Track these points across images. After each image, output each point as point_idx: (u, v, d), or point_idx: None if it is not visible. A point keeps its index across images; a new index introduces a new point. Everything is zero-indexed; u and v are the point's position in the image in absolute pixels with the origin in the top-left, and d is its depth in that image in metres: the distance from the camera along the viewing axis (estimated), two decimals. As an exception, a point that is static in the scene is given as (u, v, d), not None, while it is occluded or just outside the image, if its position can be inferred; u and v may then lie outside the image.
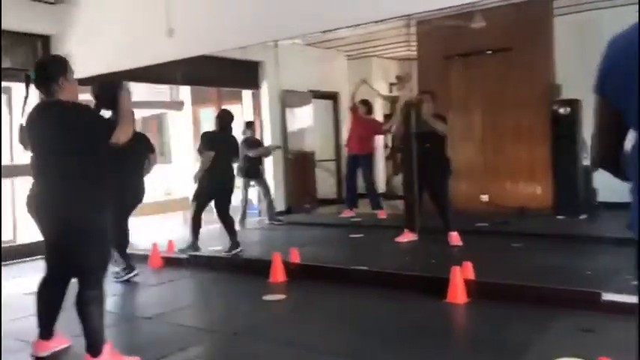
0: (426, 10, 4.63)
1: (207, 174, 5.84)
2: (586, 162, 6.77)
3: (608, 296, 3.65)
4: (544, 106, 6.97)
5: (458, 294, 4.02)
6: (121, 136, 3.07)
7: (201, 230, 6.15)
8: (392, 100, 10.34)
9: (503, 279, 4.20)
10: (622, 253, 1.97)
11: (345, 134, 8.95)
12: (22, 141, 3.23)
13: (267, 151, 7.82)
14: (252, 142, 7.63)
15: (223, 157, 5.90)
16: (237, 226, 7.49)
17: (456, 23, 6.90)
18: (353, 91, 8.19)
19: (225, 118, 6.16)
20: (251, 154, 7.40)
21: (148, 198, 5.58)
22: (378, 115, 9.48)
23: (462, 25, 6.92)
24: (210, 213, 6.18)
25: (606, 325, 3.40)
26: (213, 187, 5.89)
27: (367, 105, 8.03)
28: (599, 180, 6.44)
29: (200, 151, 6.05)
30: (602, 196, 6.59)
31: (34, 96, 3.20)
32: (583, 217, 6.70)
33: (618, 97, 1.59)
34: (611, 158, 1.67)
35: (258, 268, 5.15)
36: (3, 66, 5.96)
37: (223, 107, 7.43)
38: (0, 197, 5.76)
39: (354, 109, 8.09)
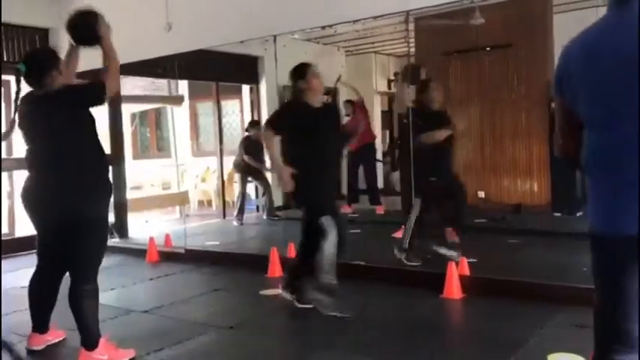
0: (424, 7, 4.63)
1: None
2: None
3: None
4: (543, 104, 6.96)
5: (454, 289, 4.04)
6: (113, 85, 3.04)
7: (198, 225, 6.16)
8: (390, 97, 10.36)
9: (499, 275, 4.22)
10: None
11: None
12: (5, 137, 3.21)
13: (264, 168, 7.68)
14: (254, 143, 7.61)
15: None
16: (234, 222, 7.55)
17: (455, 20, 6.89)
18: (332, 91, 8.21)
19: None
20: (247, 159, 7.36)
21: (146, 192, 5.58)
22: (376, 111, 9.48)
23: (461, 22, 6.91)
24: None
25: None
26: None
27: (351, 105, 8.09)
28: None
29: None
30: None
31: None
32: (579, 214, 6.71)
33: (575, 100, 1.70)
34: (571, 156, 1.79)
35: (256, 263, 5.17)
36: None
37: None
38: (0, 192, 5.77)
39: (352, 106, 8.11)
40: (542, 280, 4.03)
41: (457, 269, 4.15)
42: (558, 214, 6.74)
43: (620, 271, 1.69)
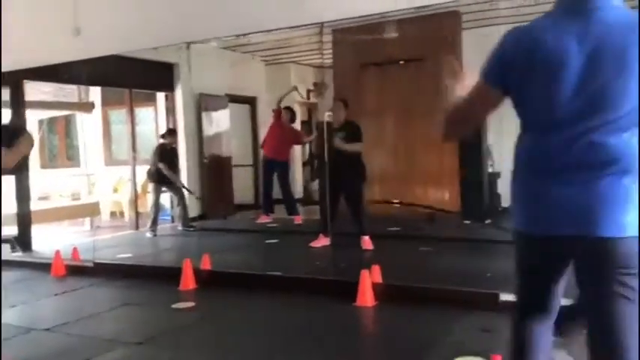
0: (337, 19, 4.71)
1: None
2: (491, 169, 7.10)
3: (504, 297, 3.83)
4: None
5: (366, 297, 4.10)
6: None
7: (109, 237, 5.94)
8: (309, 107, 10.45)
9: (410, 282, 4.33)
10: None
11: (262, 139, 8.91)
12: None
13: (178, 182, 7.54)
14: (169, 152, 7.43)
15: None
16: (147, 234, 7.33)
17: (371, 33, 7.06)
18: (281, 96, 8.21)
19: None
20: (161, 166, 7.18)
21: (54, 203, 5.31)
22: (296, 121, 9.54)
23: (377, 35, 7.08)
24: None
25: (503, 325, 3.56)
26: None
27: (292, 113, 8.08)
28: (503, 186, 6.77)
29: None
30: (506, 201, 6.91)
31: None
32: (488, 221, 7.02)
33: (505, 85, 1.67)
34: (460, 134, 1.90)
35: (169, 276, 5.02)
36: None
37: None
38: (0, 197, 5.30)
39: (277, 113, 8.09)
40: (451, 286, 4.16)
41: (370, 277, 4.22)
42: (468, 222, 7.03)
43: (545, 269, 1.76)
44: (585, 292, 1.72)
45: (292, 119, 8.12)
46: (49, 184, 8.99)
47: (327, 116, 6.20)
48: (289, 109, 8.11)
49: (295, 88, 8.31)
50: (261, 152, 8.61)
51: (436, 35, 7.10)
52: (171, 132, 7.65)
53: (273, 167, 7.97)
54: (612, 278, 1.61)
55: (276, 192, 8.16)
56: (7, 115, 6.10)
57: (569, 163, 1.60)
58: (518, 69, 1.64)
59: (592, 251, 1.63)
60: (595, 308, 1.68)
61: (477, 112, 1.80)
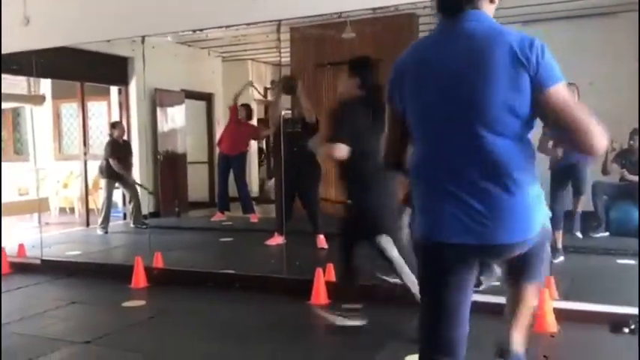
0: (294, 17, 4.71)
1: None
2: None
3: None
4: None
5: (320, 295, 4.12)
6: None
7: (58, 233, 5.77)
8: (266, 105, 10.39)
9: (364, 280, 4.34)
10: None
11: (219, 136, 8.82)
12: None
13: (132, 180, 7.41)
14: (121, 147, 7.28)
15: None
16: (98, 231, 7.16)
17: (328, 32, 7.08)
18: (237, 92, 8.12)
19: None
20: (112, 162, 7.03)
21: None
22: (253, 119, 9.48)
23: (334, 35, 7.10)
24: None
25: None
26: None
27: (248, 110, 8.01)
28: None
29: None
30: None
31: None
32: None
33: (403, 105, 1.79)
34: (396, 160, 1.90)
35: (119, 274, 4.93)
36: None
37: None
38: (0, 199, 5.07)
39: (233, 110, 8.01)
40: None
41: (324, 276, 4.23)
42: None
43: (444, 279, 1.74)
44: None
45: (249, 116, 8.06)
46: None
47: (283, 113, 6.19)
48: (246, 105, 8.04)
49: (251, 84, 8.24)
50: (217, 149, 8.52)
51: (393, 37, 7.18)
52: (116, 124, 7.47)
53: (229, 163, 7.89)
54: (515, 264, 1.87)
55: (232, 190, 8.09)
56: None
57: (457, 169, 1.65)
58: (399, 87, 1.79)
59: (492, 254, 1.79)
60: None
61: (390, 131, 1.90)
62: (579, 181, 5.00)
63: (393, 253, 3.52)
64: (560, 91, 1.58)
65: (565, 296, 3.80)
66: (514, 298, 2.00)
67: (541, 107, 1.61)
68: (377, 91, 3.32)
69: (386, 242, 3.51)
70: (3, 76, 7.19)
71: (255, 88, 8.41)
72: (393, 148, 1.90)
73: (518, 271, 1.94)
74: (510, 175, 1.61)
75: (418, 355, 1.85)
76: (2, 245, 5.59)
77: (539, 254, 1.88)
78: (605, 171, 5.61)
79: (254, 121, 8.97)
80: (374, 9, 4.62)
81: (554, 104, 1.58)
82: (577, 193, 5.09)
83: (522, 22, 5.58)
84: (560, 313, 3.51)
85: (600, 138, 1.56)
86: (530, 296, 1.99)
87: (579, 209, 5.21)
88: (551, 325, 3.45)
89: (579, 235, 5.37)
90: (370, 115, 3.32)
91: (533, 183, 1.67)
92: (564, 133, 1.63)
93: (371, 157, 2.96)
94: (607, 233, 5.62)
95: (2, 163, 9.46)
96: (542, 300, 3.44)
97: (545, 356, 3.08)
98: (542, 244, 1.86)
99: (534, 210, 1.68)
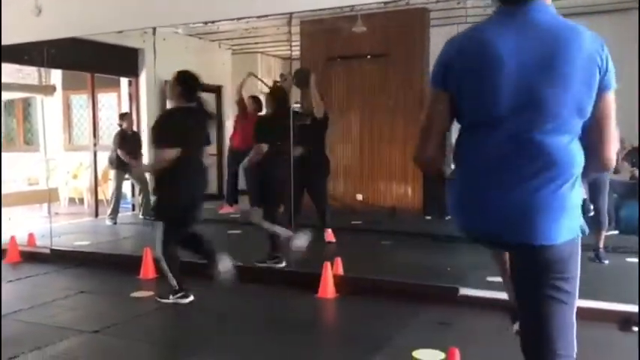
0: (306, 10, 4.69)
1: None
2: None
3: (464, 291, 3.90)
4: (417, 112, 7.29)
5: (328, 289, 4.12)
6: None
7: (67, 224, 5.80)
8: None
9: (371, 275, 4.36)
10: (480, 252, 2.11)
11: (229, 129, 8.81)
12: None
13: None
14: (130, 138, 7.29)
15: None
16: (107, 221, 7.19)
17: (339, 26, 7.06)
18: (239, 85, 8.09)
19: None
20: (120, 153, 7.03)
21: (10, 188, 5.16)
22: (263, 111, 9.48)
23: (344, 28, 7.08)
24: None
25: (461, 318, 3.64)
26: None
27: (257, 102, 7.97)
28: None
29: None
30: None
31: None
32: (448, 217, 7.11)
33: (456, 91, 1.68)
34: (437, 154, 1.74)
35: (128, 264, 4.96)
36: None
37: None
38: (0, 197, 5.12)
39: (240, 103, 7.99)
40: (411, 279, 4.22)
41: (332, 270, 4.24)
42: (429, 217, 7.11)
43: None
44: (519, 289, 1.77)
45: (259, 108, 8.02)
46: (4, 169, 8.71)
47: (293, 107, 6.18)
48: (255, 98, 8.01)
49: (252, 74, 8.19)
50: (227, 143, 8.53)
51: (402, 31, 7.15)
52: (125, 116, 7.48)
53: (239, 158, 7.89)
54: (546, 284, 1.66)
55: (240, 184, 8.10)
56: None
57: (506, 163, 1.62)
58: (457, 71, 1.67)
59: (527, 257, 1.68)
60: (527, 309, 1.75)
61: (437, 119, 1.75)
62: (597, 181, 4.69)
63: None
64: (611, 99, 1.59)
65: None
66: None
67: (595, 111, 1.60)
68: (201, 102, 4.07)
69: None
70: (15, 67, 7.23)
71: (259, 79, 8.35)
72: (437, 140, 1.73)
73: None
74: (562, 175, 1.59)
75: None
76: (14, 234, 5.62)
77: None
78: (615, 169, 5.56)
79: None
80: (385, 2, 4.60)
81: (602, 110, 1.58)
82: (598, 224, 4.76)
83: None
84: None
85: (614, 155, 1.59)
86: None
87: (602, 245, 4.88)
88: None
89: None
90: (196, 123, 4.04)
91: (579, 184, 1.65)
92: (591, 140, 1.62)
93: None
94: (616, 231, 5.59)
95: (13, 153, 9.53)
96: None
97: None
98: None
99: (574, 212, 1.64)
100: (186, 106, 4.01)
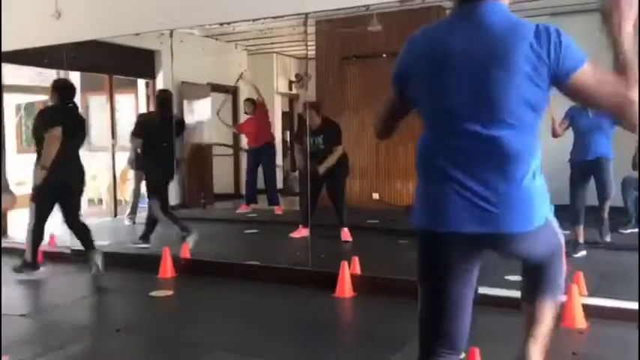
0: (321, 10, 4.70)
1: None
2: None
3: (482, 290, 3.87)
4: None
5: (345, 288, 4.13)
6: None
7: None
8: (290, 98, 10.42)
9: (389, 274, 4.36)
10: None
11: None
12: None
13: None
14: None
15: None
16: (126, 221, 7.27)
17: (354, 25, 7.06)
18: (236, 82, 8.18)
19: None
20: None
21: (29, 189, 5.26)
22: (277, 112, 9.52)
23: (360, 28, 7.08)
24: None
25: (481, 318, 3.60)
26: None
27: (253, 104, 8.06)
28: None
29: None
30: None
31: None
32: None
33: (410, 86, 1.77)
34: (388, 131, 1.99)
35: (147, 264, 5.01)
36: None
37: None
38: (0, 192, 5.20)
39: (250, 104, 8.07)
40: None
41: (349, 269, 4.24)
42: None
43: (449, 270, 1.74)
44: None
45: (254, 111, 8.08)
46: (25, 170, 8.82)
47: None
48: (250, 100, 8.11)
49: (241, 77, 8.28)
50: (242, 142, 8.58)
51: (418, 29, 7.14)
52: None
53: (257, 155, 7.95)
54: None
55: (258, 182, 8.14)
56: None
57: (466, 159, 1.63)
58: (416, 70, 1.74)
59: (498, 243, 1.71)
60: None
61: (391, 111, 1.92)
62: (603, 179, 4.81)
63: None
64: (585, 76, 1.56)
65: (594, 292, 3.76)
66: (531, 317, 1.96)
67: (572, 94, 1.60)
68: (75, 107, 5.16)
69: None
70: (36, 69, 7.34)
71: (246, 81, 8.44)
72: (386, 126, 1.99)
73: (536, 283, 1.91)
74: (519, 166, 1.61)
75: (419, 347, 1.84)
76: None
77: (556, 263, 1.85)
78: (635, 165, 5.50)
79: (279, 115, 9.02)
80: (401, 1, 4.59)
81: (580, 88, 1.57)
82: (602, 195, 4.84)
83: (550, 15, 5.49)
84: (588, 310, 3.47)
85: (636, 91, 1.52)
86: (548, 315, 1.94)
87: (605, 214, 4.94)
88: (580, 321, 3.42)
89: (608, 239, 5.14)
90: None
91: (539, 173, 1.67)
92: (604, 110, 1.68)
93: None
94: (637, 229, 5.52)
95: (32, 155, 9.64)
96: (571, 296, 3.41)
97: (573, 353, 3.06)
98: (558, 253, 1.84)
99: (540, 201, 1.66)
100: None
